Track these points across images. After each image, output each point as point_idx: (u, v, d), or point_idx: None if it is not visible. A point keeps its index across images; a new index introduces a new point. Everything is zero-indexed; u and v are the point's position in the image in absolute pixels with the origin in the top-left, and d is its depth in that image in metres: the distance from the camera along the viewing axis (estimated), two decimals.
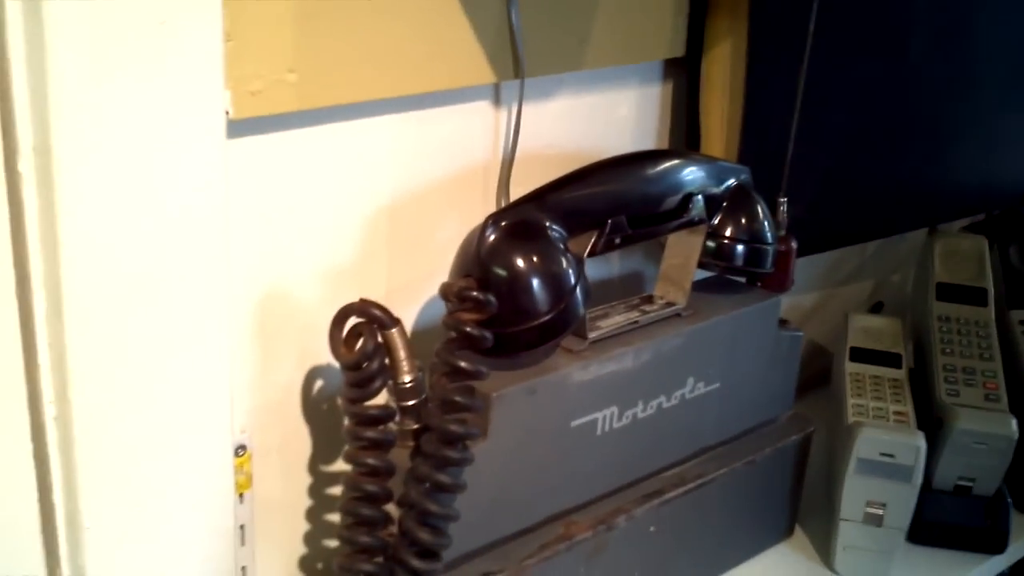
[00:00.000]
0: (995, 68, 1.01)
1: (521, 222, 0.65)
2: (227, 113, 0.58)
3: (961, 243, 1.03)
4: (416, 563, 0.60)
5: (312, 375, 0.71)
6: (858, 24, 0.88)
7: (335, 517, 0.73)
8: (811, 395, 1.07)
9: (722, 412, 0.78)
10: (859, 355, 0.91)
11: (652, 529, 0.73)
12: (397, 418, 0.63)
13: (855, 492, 0.80)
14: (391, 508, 0.63)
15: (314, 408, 0.72)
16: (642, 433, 0.73)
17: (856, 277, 1.15)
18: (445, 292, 0.63)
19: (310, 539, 0.75)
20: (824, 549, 0.85)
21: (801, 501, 0.87)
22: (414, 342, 0.74)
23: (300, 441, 0.72)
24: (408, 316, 0.75)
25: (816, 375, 1.10)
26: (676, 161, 0.74)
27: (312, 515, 0.74)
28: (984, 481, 0.86)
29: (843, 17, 0.86)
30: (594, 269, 0.86)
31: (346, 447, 0.63)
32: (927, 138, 0.98)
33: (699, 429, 0.77)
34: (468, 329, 0.61)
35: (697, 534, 0.78)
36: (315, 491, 0.74)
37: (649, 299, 0.76)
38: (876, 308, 1.16)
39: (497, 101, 0.76)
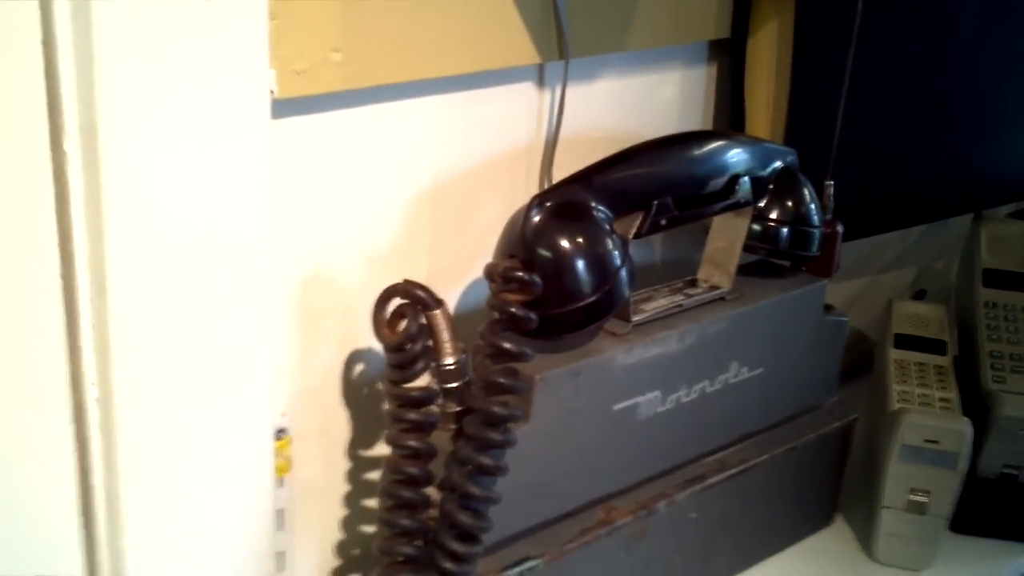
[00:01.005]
0: None
1: (567, 203, 0.64)
2: (272, 92, 0.57)
3: (1008, 228, 1.01)
4: (456, 546, 0.60)
5: (353, 359, 0.71)
6: (907, 3, 0.87)
7: (373, 503, 0.73)
8: (853, 382, 1.06)
9: (765, 398, 0.77)
10: (903, 341, 0.90)
11: (693, 515, 0.73)
12: (439, 400, 0.63)
13: (898, 479, 0.79)
14: (431, 491, 0.62)
15: (355, 392, 0.72)
16: (684, 418, 0.72)
17: (898, 264, 1.14)
18: (490, 272, 0.63)
19: (347, 525, 0.74)
20: (865, 537, 0.84)
21: (842, 489, 0.86)
22: (458, 324, 0.74)
23: (340, 425, 0.72)
24: (450, 299, 0.75)
25: (858, 362, 1.08)
26: (722, 142, 0.73)
27: (350, 500, 0.74)
28: None
29: None
30: (638, 253, 0.85)
31: (387, 429, 0.63)
32: (975, 121, 0.97)
33: (742, 414, 0.77)
34: (513, 310, 0.60)
35: (738, 520, 0.77)
36: (354, 476, 0.74)
37: (693, 282, 0.75)
38: (919, 295, 1.14)
39: (541, 82, 0.75)
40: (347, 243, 0.69)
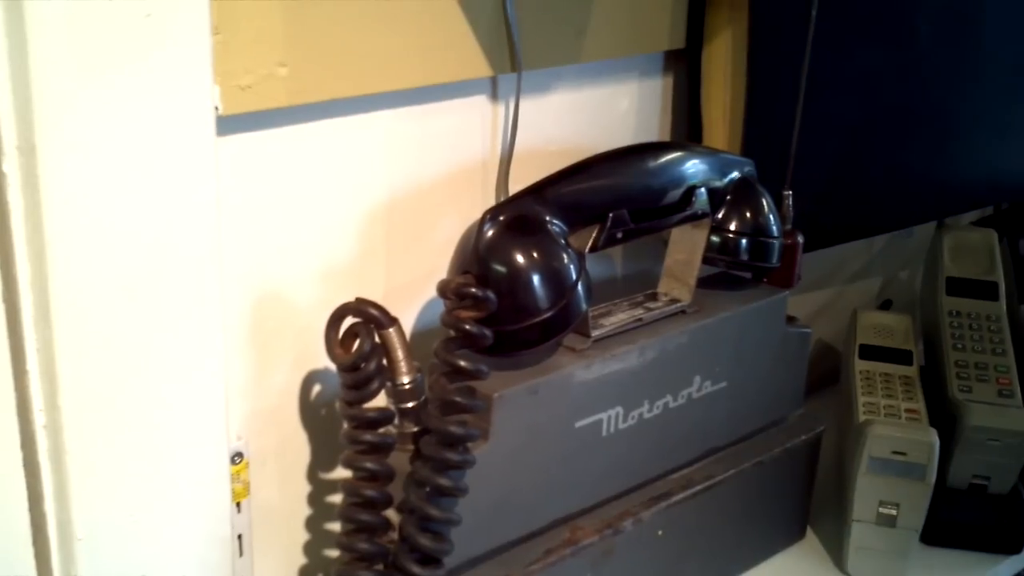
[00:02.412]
0: (1003, 57, 0.99)
1: (520, 216, 0.63)
2: (216, 109, 0.56)
3: (970, 237, 1.01)
4: (417, 570, 0.59)
5: (310, 379, 0.70)
6: (862, 12, 0.86)
7: (335, 526, 0.71)
8: (820, 395, 1.05)
9: (730, 412, 0.76)
10: (869, 352, 0.89)
11: (660, 533, 0.71)
12: (396, 421, 0.62)
13: (867, 492, 0.78)
14: (391, 513, 0.61)
15: (312, 413, 0.70)
16: (648, 434, 0.71)
17: (864, 274, 1.13)
18: (443, 289, 0.62)
19: (310, 548, 0.73)
20: (836, 551, 0.83)
21: (812, 503, 0.85)
22: (415, 343, 0.73)
23: (298, 448, 0.71)
24: (408, 316, 0.74)
25: (825, 374, 1.08)
26: (678, 153, 0.72)
27: (312, 524, 0.72)
28: (999, 479, 0.85)
29: (846, 5, 0.84)
30: (597, 267, 0.84)
31: (344, 451, 0.61)
32: (934, 129, 0.97)
33: (707, 429, 0.76)
34: (467, 327, 0.59)
35: (706, 537, 0.76)
36: (315, 499, 0.72)
37: (653, 296, 0.74)
38: (885, 305, 1.14)
39: (495, 95, 0.74)
40: (300, 261, 0.67)
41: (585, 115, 0.81)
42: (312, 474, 0.72)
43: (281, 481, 0.70)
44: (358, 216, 0.69)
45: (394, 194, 0.71)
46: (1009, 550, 0.86)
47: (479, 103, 0.74)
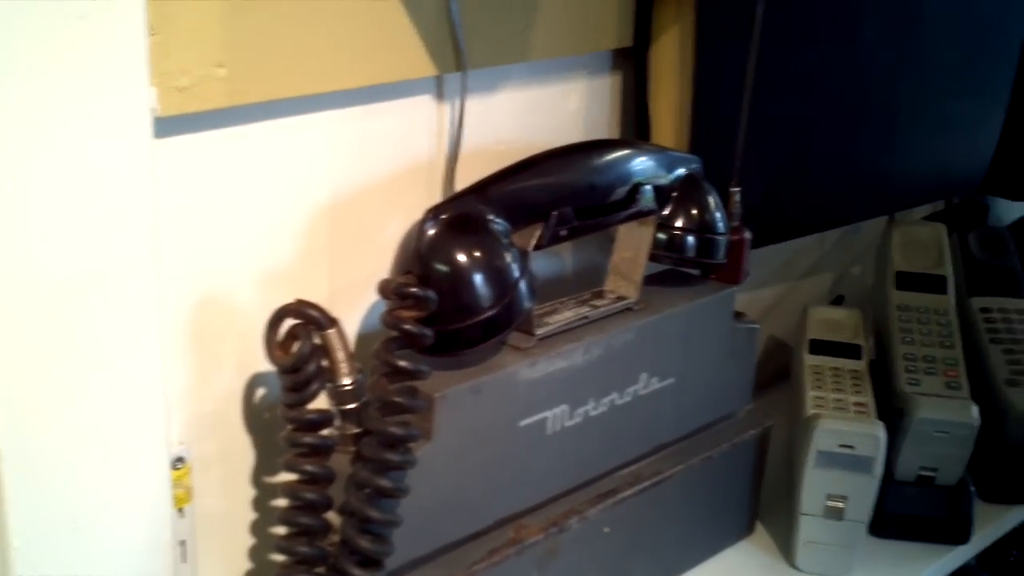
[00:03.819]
0: (948, 52, 1.00)
1: (462, 215, 0.63)
2: (153, 111, 0.56)
3: (919, 231, 1.02)
4: (357, 572, 0.58)
5: (253, 383, 0.69)
6: (808, 10, 0.87)
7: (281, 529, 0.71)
8: (773, 391, 1.06)
9: (678, 408, 0.76)
10: (819, 347, 0.90)
11: (606, 530, 0.71)
12: (337, 422, 0.61)
13: (815, 486, 0.78)
14: (332, 516, 0.61)
15: (256, 417, 0.70)
16: (595, 431, 0.71)
17: (816, 271, 1.14)
18: (384, 289, 0.61)
19: (255, 553, 0.72)
20: (786, 545, 0.83)
21: (762, 497, 0.85)
22: (363, 344, 0.73)
23: (242, 452, 0.70)
24: (355, 317, 0.73)
25: (778, 370, 1.08)
26: (622, 150, 0.72)
27: (257, 528, 0.72)
28: (947, 471, 0.85)
29: (792, 3, 0.85)
30: (547, 265, 0.84)
31: (285, 454, 0.61)
32: (882, 125, 0.97)
33: (654, 426, 0.76)
34: (407, 327, 0.59)
35: (654, 534, 0.76)
36: (259, 503, 0.72)
37: (600, 294, 0.74)
38: (837, 301, 1.14)
39: (440, 95, 0.74)
40: (242, 264, 0.67)
41: (533, 114, 0.80)
42: (256, 478, 0.71)
43: (225, 486, 0.70)
44: (301, 218, 0.69)
45: (338, 195, 0.70)
46: (956, 540, 0.87)
47: (424, 103, 0.73)
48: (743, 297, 1.01)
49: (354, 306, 0.73)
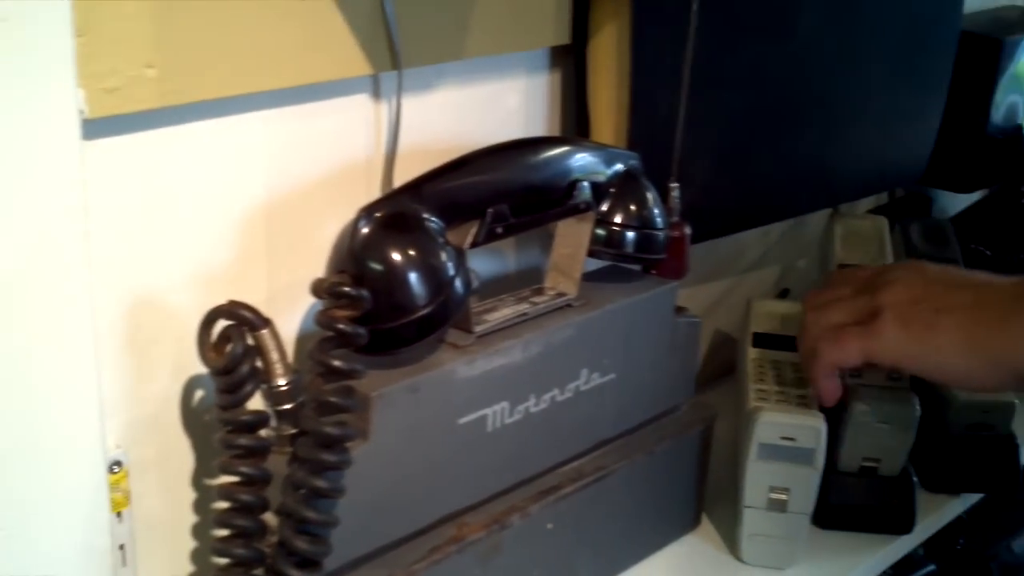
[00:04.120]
0: (886, 44, 1.01)
1: (396, 214, 0.63)
2: (81, 112, 0.55)
3: (861, 224, 1.03)
4: (295, 573, 0.58)
5: (191, 385, 0.69)
6: (745, 4, 0.87)
7: None
8: (720, 385, 1.07)
9: (620, 403, 0.77)
10: (762, 340, 0.90)
11: (550, 526, 0.71)
12: (274, 423, 0.61)
13: (758, 478, 0.79)
14: (270, 517, 0.60)
15: (195, 420, 0.69)
16: (536, 428, 0.71)
17: (762, 264, 1.14)
18: (317, 288, 0.61)
19: (197, 556, 0.72)
20: (731, 538, 0.84)
21: (709, 491, 0.86)
22: (303, 345, 0.72)
23: (181, 455, 0.70)
24: (295, 318, 0.73)
25: (726, 364, 1.09)
26: (559, 147, 0.72)
27: (198, 531, 0.71)
28: (889, 461, 0.86)
29: None
30: (489, 263, 0.84)
31: (220, 456, 0.60)
32: (822, 118, 0.98)
33: (596, 421, 0.76)
34: (341, 326, 0.59)
35: (598, 529, 0.76)
36: (200, 506, 0.71)
37: (539, 291, 0.74)
38: (783, 294, 1.15)
39: (377, 93, 0.74)
40: (177, 266, 0.66)
41: (472, 112, 0.80)
42: (197, 481, 0.70)
43: (164, 489, 0.69)
44: (237, 219, 0.68)
45: (275, 195, 0.70)
46: (899, 530, 0.87)
47: (361, 101, 0.73)
48: (689, 292, 1.02)
49: (294, 306, 0.73)
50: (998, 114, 1.20)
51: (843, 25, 0.95)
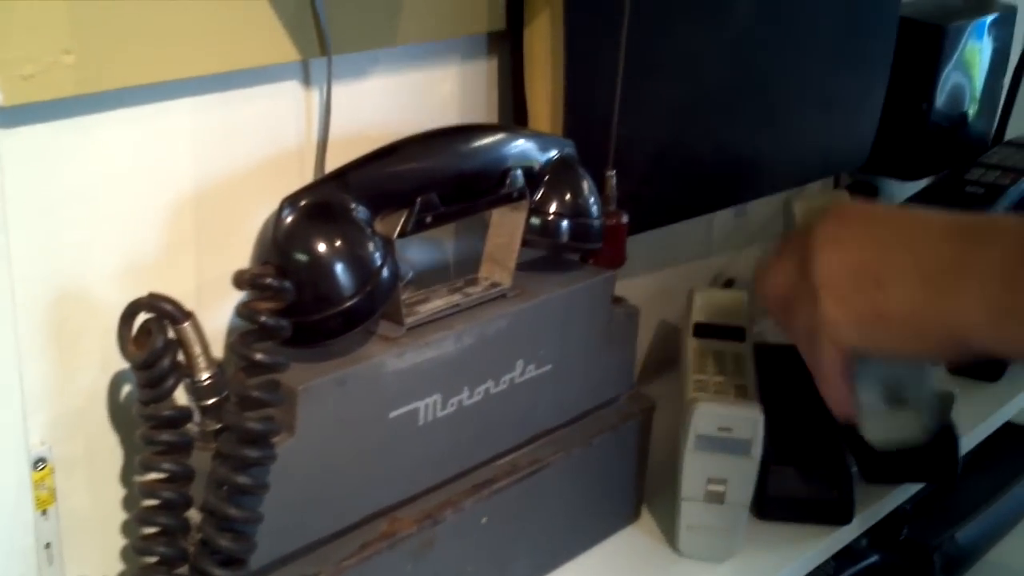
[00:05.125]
0: (826, 29, 1.00)
1: (321, 203, 0.62)
2: None
3: (822, 201, 1.02)
4: (217, 571, 0.57)
5: (118, 380, 0.67)
6: None
7: None
8: (664, 375, 1.06)
9: (556, 395, 0.76)
10: (703, 330, 0.89)
11: (484, 521, 0.71)
12: (197, 418, 0.60)
13: (695, 470, 0.78)
14: (194, 514, 0.59)
15: (122, 415, 0.68)
16: (470, 421, 0.70)
17: (708, 253, 1.14)
18: (239, 280, 0.60)
19: (127, 554, 0.70)
20: (670, 530, 0.83)
21: (648, 483, 0.85)
22: (233, 338, 0.71)
23: (109, 451, 0.68)
24: (225, 310, 0.71)
25: (671, 354, 1.08)
26: (490, 135, 0.71)
27: (128, 529, 0.70)
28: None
29: None
30: (427, 253, 0.83)
31: (141, 453, 0.59)
32: (761, 105, 0.97)
33: (532, 413, 0.75)
34: (263, 319, 0.57)
35: (535, 523, 0.75)
36: (129, 503, 0.69)
37: (473, 281, 0.73)
38: (728, 284, 1.14)
39: (307, 80, 0.72)
40: (101, 257, 0.65)
41: (406, 99, 0.79)
42: (125, 477, 0.69)
43: (92, 486, 0.68)
44: (164, 209, 0.67)
45: (203, 184, 0.68)
46: (839, 521, 0.87)
47: (290, 88, 0.72)
48: (634, 281, 1.02)
49: (224, 298, 0.71)
50: (943, 101, 1.20)
51: (781, 11, 0.95)
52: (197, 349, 0.59)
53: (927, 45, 1.16)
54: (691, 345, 0.87)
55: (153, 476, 0.59)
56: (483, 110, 0.85)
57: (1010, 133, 1.35)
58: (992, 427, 1.07)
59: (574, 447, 0.76)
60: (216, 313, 0.70)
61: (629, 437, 0.81)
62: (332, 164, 0.74)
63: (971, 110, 1.27)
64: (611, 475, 0.81)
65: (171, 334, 0.58)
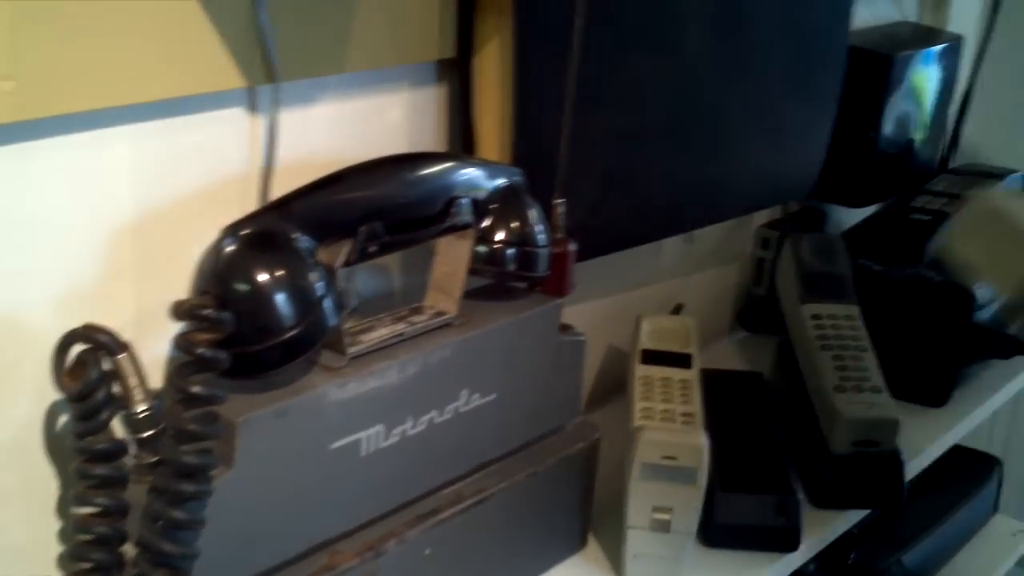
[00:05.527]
0: (774, 59, 1.01)
1: (262, 232, 0.61)
2: None
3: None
4: None
5: (55, 410, 0.66)
6: (629, 20, 0.86)
7: None
8: (613, 402, 1.06)
9: (502, 424, 0.75)
10: (650, 357, 0.89)
11: (427, 552, 0.70)
12: (134, 451, 0.59)
13: (641, 498, 0.78)
14: (129, 549, 0.58)
15: (59, 446, 0.66)
16: (413, 451, 0.69)
17: (656, 279, 1.14)
18: (177, 311, 0.59)
19: None
20: (616, 559, 0.82)
21: (597, 511, 0.85)
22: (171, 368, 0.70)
23: (45, 482, 0.67)
24: (166, 339, 0.70)
25: (620, 381, 1.08)
26: (436, 163, 0.71)
27: (64, 562, 0.68)
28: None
29: (613, 13, 0.84)
30: (374, 281, 0.83)
31: (75, 487, 0.58)
32: (710, 133, 0.98)
33: (477, 443, 0.74)
34: (200, 351, 0.57)
35: (480, 553, 0.74)
36: (66, 536, 0.68)
37: (418, 310, 0.73)
38: (677, 310, 1.15)
39: (253, 107, 0.72)
40: (40, 286, 0.64)
41: (354, 126, 0.79)
42: (62, 509, 0.68)
43: (27, 518, 0.66)
44: (103, 237, 0.66)
45: (144, 212, 0.68)
46: (786, 548, 0.87)
47: (235, 116, 0.71)
48: (584, 306, 1.01)
49: (165, 328, 0.70)
50: (890, 129, 1.21)
51: (730, 41, 0.95)
52: (133, 381, 0.58)
53: (876, 74, 1.17)
54: (638, 372, 0.87)
55: (87, 510, 0.58)
56: (432, 137, 0.84)
57: (956, 161, 1.37)
58: (938, 452, 1.08)
59: (519, 476, 0.76)
60: (157, 342, 0.69)
61: (575, 466, 0.80)
62: (278, 192, 0.73)
63: (918, 138, 1.29)
64: (557, 504, 0.80)
65: (107, 365, 0.57)
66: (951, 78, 1.32)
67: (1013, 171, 1.25)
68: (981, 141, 1.55)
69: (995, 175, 1.22)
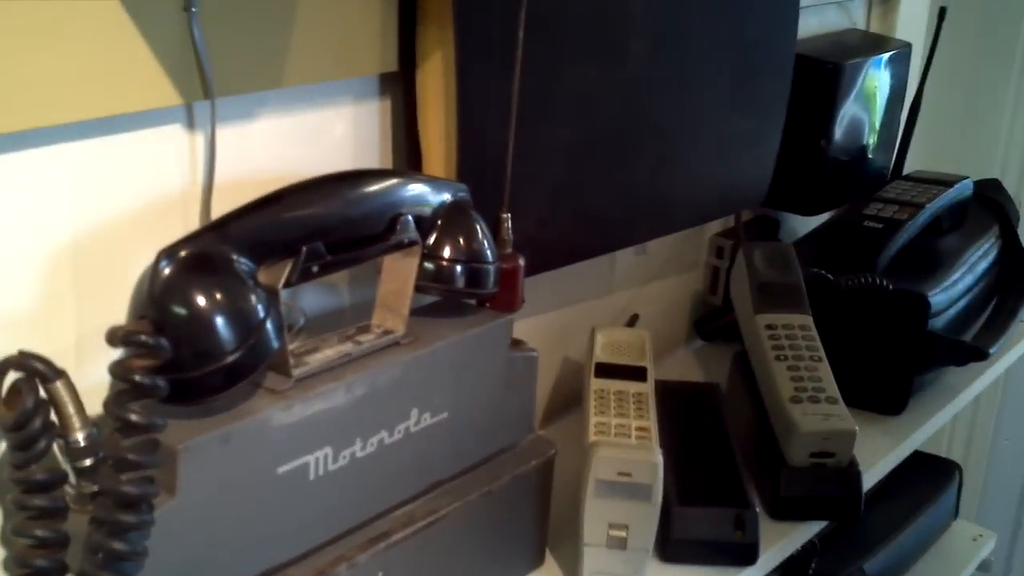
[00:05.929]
0: (720, 70, 1.01)
1: (199, 254, 0.59)
2: None
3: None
4: None
5: None
6: (572, 31, 0.86)
7: None
8: (571, 415, 1.05)
9: (454, 443, 0.74)
10: (604, 370, 0.88)
11: (380, 575, 0.68)
12: (73, 481, 0.57)
13: (596, 515, 0.77)
14: None
15: None
16: (363, 473, 0.68)
17: (611, 291, 1.13)
18: (111, 337, 0.57)
19: None
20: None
21: (553, 527, 0.84)
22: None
23: None
24: (106, 365, 0.69)
25: (576, 394, 1.07)
26: (378, 180, 0.69)
27: None
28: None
29: (556, 27, 0.84)
30: (321, 299, 0.81)
31: (12, 518, 0.56)
32: (657, 145, 0.97)
33: (429, 463, 0.73)
34: (137, 378, 0.55)
35: (434, 574, 0.73)
36: (7, 568, 0.66)
37: (366, 328, 0.71)
38: (631, 321, 1.14)
39: (191, 125, 0.70)
40: None
41: (296, 142, 0.77)
42: (4, 541, 0.66)
43: None
44: (39, 260, 0.64)
45: (82, 234, 0.66)
46: (745, 561, 0.86)
47: (173, 133, 0.70)
48: (536, 319, 1.01)
49: (106, 352, 0.68)
50: (841, 137, 1.21)
51: (675, 51, 0.95)
52: (70, 408, 0.56)
53: (825, 83, 1.17)
54: (592, 386, 0.86)
55: (26, 542, 0.56)
56: (377, 152, 0.83)
57: (908, 167, 1.37)
58: (896, 460, 1.07)
59: (473, 496, 0.74)
60: (98, 368, 0.67)
61: (530, 483, 0.79)
62: (220, 210, 0.72)
63: (869, 145, 1.29)
64: (512, 522, 0.79)
65: (43, 393, 0.56)
66: (900, 85, 1.32)
67: (964, 178, 1.25)
68: (931, 148, 1.55)
69: (945, 182, 1.22)
